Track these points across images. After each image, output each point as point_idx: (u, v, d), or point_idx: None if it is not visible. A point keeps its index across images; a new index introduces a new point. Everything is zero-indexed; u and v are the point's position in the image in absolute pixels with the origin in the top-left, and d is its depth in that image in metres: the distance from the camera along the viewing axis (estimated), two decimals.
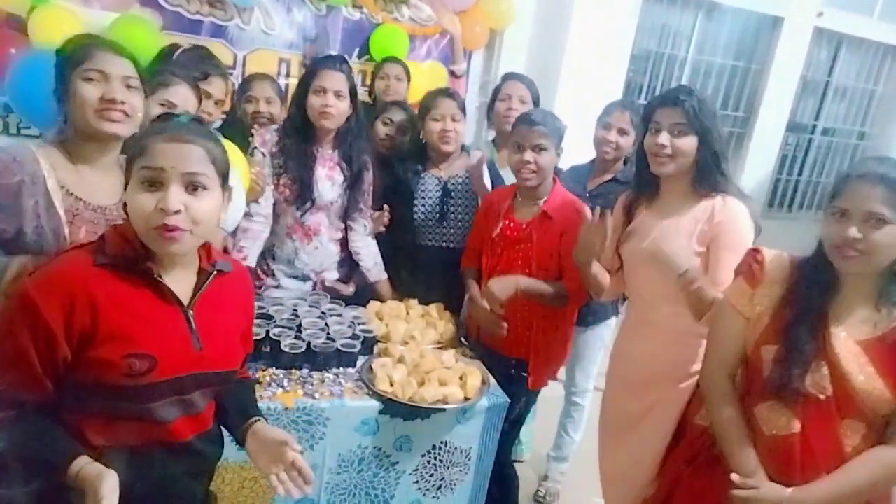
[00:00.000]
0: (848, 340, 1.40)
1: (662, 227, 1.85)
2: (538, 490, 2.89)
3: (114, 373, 1.13)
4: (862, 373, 1.37)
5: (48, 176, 1.43)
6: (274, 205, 2.30)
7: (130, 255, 1.17)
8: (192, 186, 1.16)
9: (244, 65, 3.49)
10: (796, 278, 1.49)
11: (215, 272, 1.28)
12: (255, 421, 1.36)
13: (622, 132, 2.48)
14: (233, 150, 2.07)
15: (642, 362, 1.94)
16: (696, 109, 1.73)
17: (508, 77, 2.79)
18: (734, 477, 1.45)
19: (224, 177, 1.24)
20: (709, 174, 1.78)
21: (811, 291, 1.45)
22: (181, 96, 1.92)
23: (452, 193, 2.53)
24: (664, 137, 1.76)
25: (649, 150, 1.81)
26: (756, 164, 5.32)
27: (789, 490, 1.43)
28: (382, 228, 2.53)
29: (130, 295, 1.17)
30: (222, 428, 1.41)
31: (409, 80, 3.17)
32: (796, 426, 1.43)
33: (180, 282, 1.24)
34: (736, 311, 1.56)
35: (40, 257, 1.40)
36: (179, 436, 1.25)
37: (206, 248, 1.29)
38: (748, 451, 1.49)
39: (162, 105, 1.89)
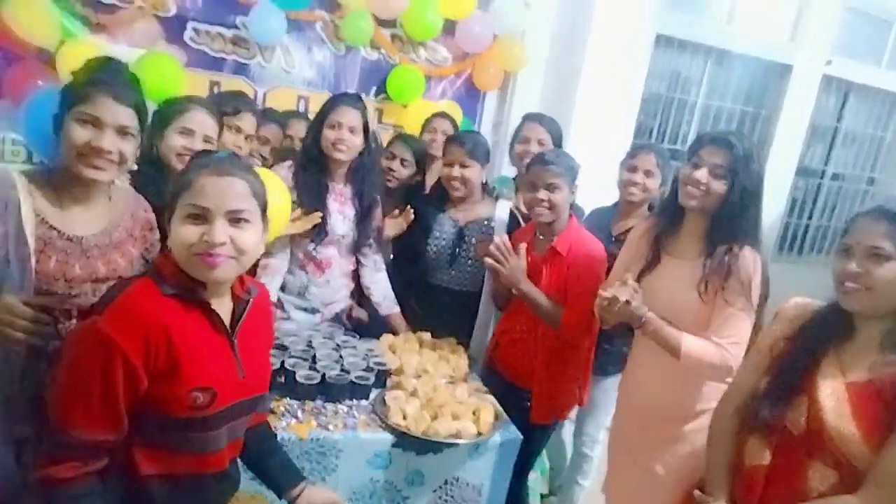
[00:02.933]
0: (837, 379, 1.38)
1: (675, 267, 1.88)
2: None
3: (178, 406, 1.16)
4: (836, 411, 1.34)
5: (23, 202, 1.37)
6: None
7: (189, 284, 1.20)
8: (236, 220, 1.19)
9: (264, 101, 3.58)
10: (808, 317, 1.50)
11: (252, 299, 1.32)
12: (305, 484, 1.45)
13: (648, 174, 2.46)
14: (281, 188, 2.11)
15: (648, 401, 1.95)
16: (739, 158, 1.73)
17: (528, 118, 2.79)
18: (695, 493, 1.57)
19: (264, 209, 1.27)
20: (729, 222, 1.77)
21: (817, 331, 1.46)
22: (198, 121, 1.95)
23: (466, 238, 2.54)
24: (702, 174, 1.77)
25: (684, 180, 1.81)
26: (766, 207, 5.29)
27: None
28: (399, 231, 2.58)
29: (192, 326, 1.19)
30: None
31: None
32: (767, 458, 1.44)
33: (222, 311, 1.27)
34: (756, 345, 1.58)
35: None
36: (222, 463, 1.29)
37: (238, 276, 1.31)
38: (720, 476, 1.55)
39: (181, 133, 1.93)
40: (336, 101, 2.33)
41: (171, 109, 1.94)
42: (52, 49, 3.09)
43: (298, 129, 2.78)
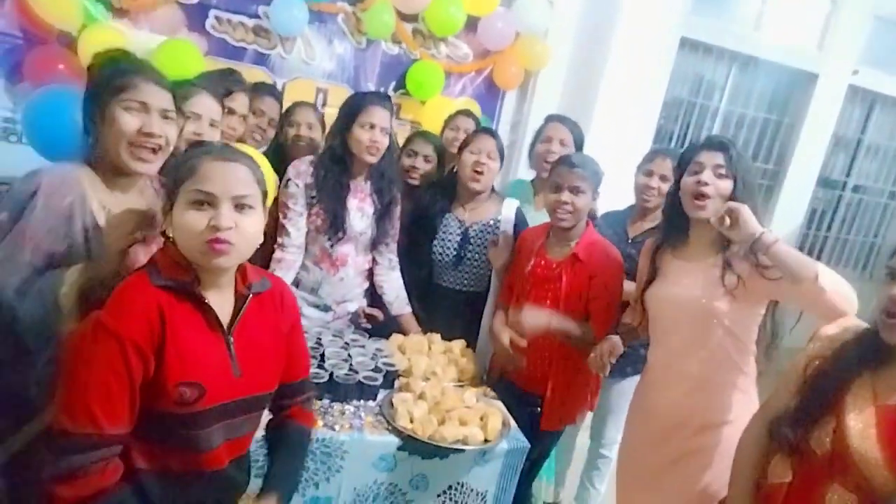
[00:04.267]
0: (867, 402, 1.33)
1: (689, 271, 1.86)
2: None
3: (164, 400, 1.14)
4: (861, 434, 1.29)
5: (92, 198, 1.40)
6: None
7: (182, 277, 1.19)
8: (240, 206, 1.19)
9: (283, 92, 3.56)
10: (847, 338, 1.44)
11: (251, 295, 1.30)
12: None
13: (664, 179, 2.45)
14: (268, 171, 2.09)
15: (665, 411, 1.91)
16: (737, 156, 1.79)
17: (551, 119, 2.75)
18: None
19: (264, 195, 1.28)
20: None
21: (853, 353, 1.39)
22: (204, 106, 1.93)
23: (472, 239, 2.52)
24: (707, 175, 1.78)
25: (688, 190, 1.82)
26: (785, 217, 5.27)
27: None
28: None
29: (183, 319, 1.18)
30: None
31: None
32: (788, 477, 1.41)
33: (220, 306, 1.25)
34: (791, 364, 1.53)
35: (95, 264, 1.37)
36: (219, 462, 1.26)
37: (241, 270, 1.31)
38: (743, 495, 1.52)
39: (189, 119, 1.89)
40: (366, 100, 2.28)
41: (176, 94, 1.92)
42: (74, 33, 3.09)
43: (306, 116, 2.76)
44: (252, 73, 3.45)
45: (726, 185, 1.78)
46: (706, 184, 1.78)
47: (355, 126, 2.24)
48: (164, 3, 3.29)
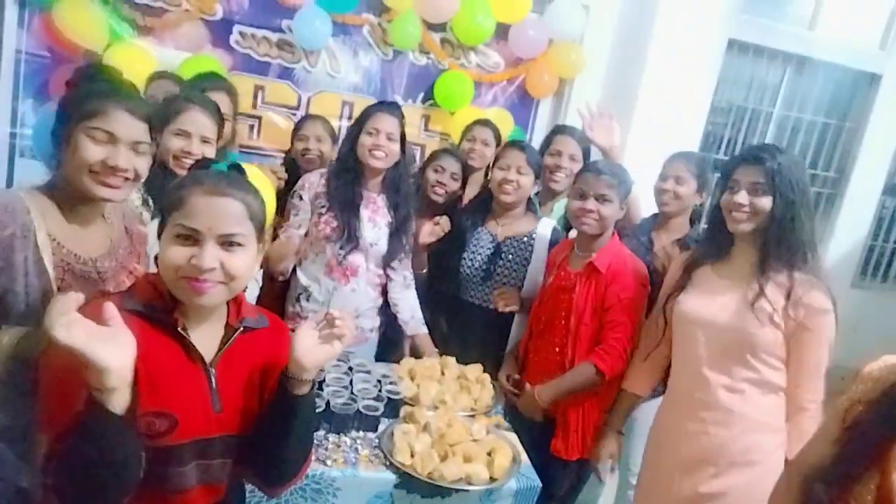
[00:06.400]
0: None
1: (726, 289, 1.72)
2: None
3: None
4: None
5: (38, 228, 1.26)
6: (313, 243, 2.29)
7: (158, 304, 1.12)
8: (228, 244, 1.10)
9: (308, 106, 3.51)
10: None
11: (242, 329, 1.20)
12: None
13: (679, 180, 2.29)
14: (270, 198, 2.00)
15: (687, 442, 1.74)
16: (776, 170, 1.63)
17: (559, 131, 2.68)
18: None
19: (261, 229, 1.17)
20: (784, 240, 1.65)
21: None
22: (196, 123, 1.86)
23: (503, 254, 2.40)
24: (742, 196, 1.67)
25: (726, 207, 1.72)
26: (848, 228, 4.91)
27: None
28: (435, 239, 2.44)
29: (156, 347, 1.09)
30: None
31: (498, 144, 2.95)
32: None
33: (205, 337, 1.17)
34: (831, 410, 1.34)
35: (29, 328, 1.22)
36: None
37: (236, 302, 1.21)
38: None
39: (178, 135, 1.85)
40: (373, 108, 2.30)
41: (169, 110, 1.85)
42: (100, 52, 3.11)
43: (315, 129, 2.72)
44: (277, 88, 3.44)
45: (765, 203, 1.66)
46: (742, 204, 1.67)
47: (362, 133, 2.22)
48: (188, 19, 3.28)
